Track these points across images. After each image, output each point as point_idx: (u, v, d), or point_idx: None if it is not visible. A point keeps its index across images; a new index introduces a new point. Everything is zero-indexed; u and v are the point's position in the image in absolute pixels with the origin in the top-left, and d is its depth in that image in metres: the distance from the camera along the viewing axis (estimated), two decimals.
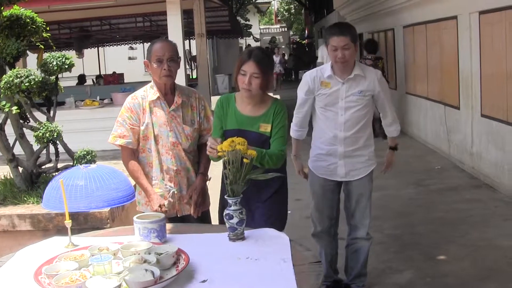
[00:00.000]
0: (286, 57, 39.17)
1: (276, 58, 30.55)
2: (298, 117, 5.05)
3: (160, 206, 4.12)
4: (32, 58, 7.22)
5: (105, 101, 13.13)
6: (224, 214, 3.46)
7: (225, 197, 3.48)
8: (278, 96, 5.44)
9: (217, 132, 4.30)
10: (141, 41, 24.01)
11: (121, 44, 24.41)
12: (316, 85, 4.81)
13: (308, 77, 4.89)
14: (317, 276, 2.89)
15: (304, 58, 34.82)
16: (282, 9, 58.64)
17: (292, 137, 5.13)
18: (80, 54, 20.31)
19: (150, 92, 4.39)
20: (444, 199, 8.26)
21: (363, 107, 4.79)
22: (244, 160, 3.42)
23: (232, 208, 3.44)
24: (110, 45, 24.66)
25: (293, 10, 54.81)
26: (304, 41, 37.11)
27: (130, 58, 25.85)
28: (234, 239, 3.44)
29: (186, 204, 4.43)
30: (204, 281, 2.86)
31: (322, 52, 16.69)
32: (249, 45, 38.22)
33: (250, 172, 3.51)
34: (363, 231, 5.08)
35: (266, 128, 4.21)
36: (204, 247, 3.34)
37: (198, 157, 4.55)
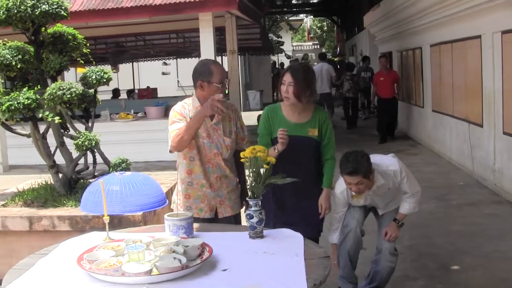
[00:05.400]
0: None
1: None
2: (339, 215, 5.30)
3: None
4: (70, 72, 7.60)
5: (139, 114, 13.52)
6: (245, 214, 3.83)
7: (247, 198, 3.85)
8: None
9: (265, 139, 4.89)
10: (174, 57, 24.40)
11: (155, 59, 24.80)
12: (348, 198, 5.15)
13: (339, 194, 5.14)
14: (325, 268, 3.26)
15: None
16: (314, 27, 58.63)
17: (332, 244, 5.37)
18: (115, 69, 20.73)
19: (193, 107, 4.66)
20: (463, 213, 8.45)
21: (392, 191, 5.18)
22: (264, 166, 3.78)
23: (253, 208, 3.80)
24: (144, 61, 25.12)
25: (325, 28, 54.76)
26: (336, 59, 37.36)
27: (163, 73, 26.14)
28: (254, 237, 3.80)
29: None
30: (225, 270, 3.24)
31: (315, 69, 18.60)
32: (282, 63, 38.38)
33: (270, 177, 3.87)
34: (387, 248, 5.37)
35: (313, 132, 4.87)
36: (227, 243, 3.71)
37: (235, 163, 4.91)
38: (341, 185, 5.09)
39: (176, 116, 4.64)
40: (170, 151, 4.68)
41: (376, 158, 5.05)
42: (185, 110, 4.67)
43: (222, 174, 4.75)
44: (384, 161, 5.09)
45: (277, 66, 36.94)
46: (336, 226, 5.31)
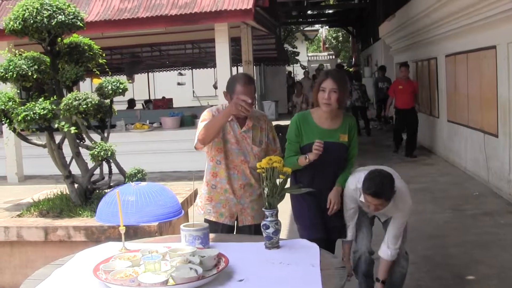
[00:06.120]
0: None
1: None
2: (351, 212, 5.13)
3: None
4: (86, 82, 7.63)
5: (154, 125, 13.60)
6: (261, 225, 3.83)
7: (263, 209, 3.85)
8: None
9: (294, 146, 4.88)
10: (189, 67, 24.44)
11: (171, 70, 24.90)
12: (358, 198, 4.97)
13: (351, 191, 4.97)
14: (341, 278, 3.25)
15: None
16: (330, 37, 58.60)
17: (347, 241, 5.19)
18: (130, 79, 20.80)
19: None
20: (479, 223, 8.40)
21: None
22: (280, 176, 3.78)
23: (269, 219, 3.80)
24: (160, 71, 25.22)
25: (341, 38, 54.72)
26: (351, 69, 37.30)
27: (179, 84, 26.22)
28: (270, 247, 3.80)
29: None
30: (241, 280, 3.23)
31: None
32: (306, 71, 38.24)
33: (286, 188, 3.87)
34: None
35: (344, 138, 4.92)
36: (243, 253, 3.72)
37: None
38: (351, 186, 5.00)
39: (209, 115, 4.69)
40: (195, 147, 4.70)
41: (399, 183, 4.85)
42: (217, 113, 4.68)
43: (246, 182, 4.77)
44: (405, 192, 4.94)
45: (292, 76, 36.95)
46: (349, 223, 5.16)
